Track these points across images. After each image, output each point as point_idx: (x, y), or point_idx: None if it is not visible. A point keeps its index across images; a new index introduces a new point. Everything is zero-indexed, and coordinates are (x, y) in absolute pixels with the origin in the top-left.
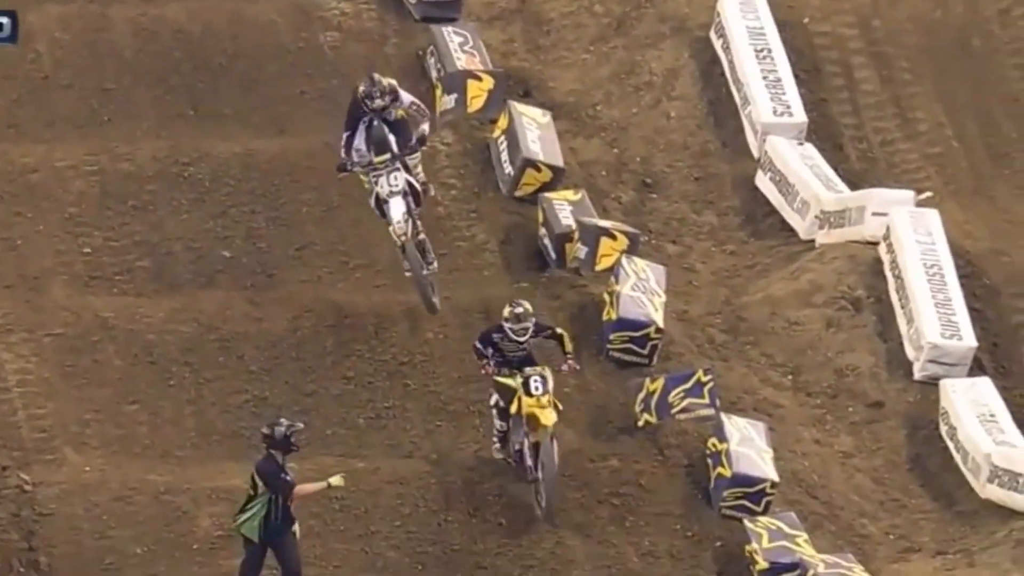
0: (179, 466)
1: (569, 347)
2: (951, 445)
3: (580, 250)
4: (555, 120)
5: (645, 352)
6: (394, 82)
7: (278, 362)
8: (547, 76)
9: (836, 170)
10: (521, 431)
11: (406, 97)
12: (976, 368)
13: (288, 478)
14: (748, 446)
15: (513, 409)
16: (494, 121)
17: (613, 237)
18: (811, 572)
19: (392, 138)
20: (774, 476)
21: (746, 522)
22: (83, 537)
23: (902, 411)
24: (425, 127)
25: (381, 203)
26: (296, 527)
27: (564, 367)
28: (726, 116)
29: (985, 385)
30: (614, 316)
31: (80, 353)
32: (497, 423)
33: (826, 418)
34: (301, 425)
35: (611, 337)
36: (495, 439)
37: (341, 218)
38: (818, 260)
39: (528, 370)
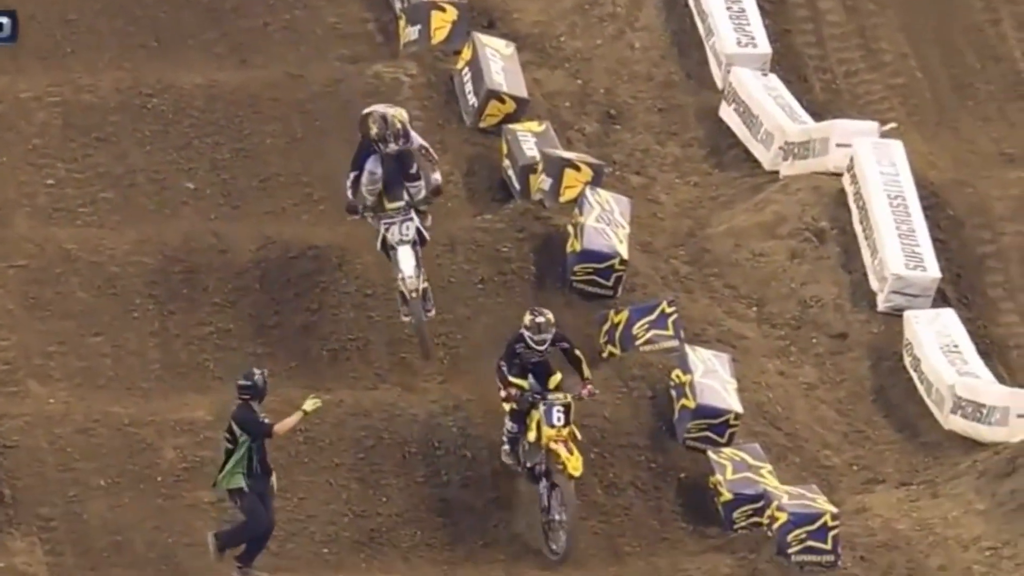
0: (143, 398)
1: (587, 372)
2: (915, 376)
3: (544, 181)
4: (519, 51)
5: (609, 284)
6: (405, 118)
7: (242, 294)
8: (511, 7)
9: (800, 101)
10: (538, 456)
11: (416, 138)
12: (940, 299)
13: (266, 421)
14: (712, 378)
15: (531, 436)
16: (458, 52)
17: (577, 168)
18: (775, 503)
19: (407, 187)
20: (738, 408)
21: (710, 453)
22: (47, 469)
23: (866, 342)
24: (437, 176)
25: (388, 247)
26: (274, 479)
27: (584, 392)
28: (690, 47)
29: (949, 316)
30: (578, 248)
31: (43, 285)
32: (508, 424)
33: (790, 349)
34: (266, 371)
35: (575, 269)
36: (504, 440)
37: (305, 149)
38: (782, 191)
39: (551, 397)
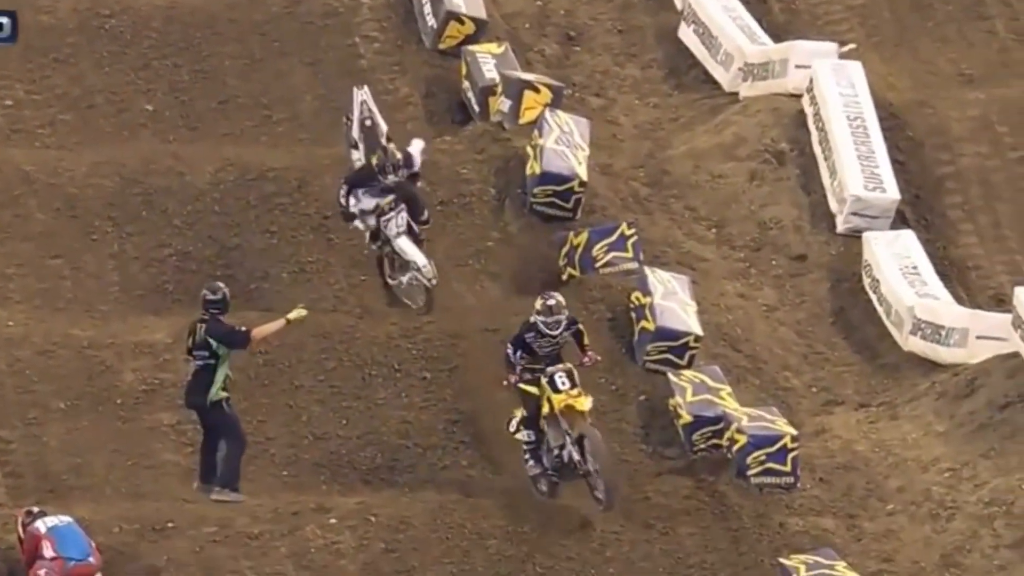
0: (102, 320)
1: (587, 340)
2: (874, 298)
3: (504, 103)
4: None
5: (569, 206)
6: (409, 150)
7: (201, 216)
8: None
9: (760, 22)
10: (560, 431)
11: (418, 160)
12: (899, 220)
13: (243, 328)
14: (672, 300)
15: (545, 410)
16: None
17: (536, 90)
18: (734, 425)
19: (416, 227)
20: (698, 330)
21: (670, 376)
22: (6, 391)
23: (825, 264)
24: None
25: (384, 257)
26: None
27: (585, 360)
28: None
29: (908, 238)
30: (538, 170)
31: (2, 207)
32: (524, 435)
33: (749, 271)
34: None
35: (535, 191)
36: (526, 457)
37: (264, 71)
38: (742, 113)
39: (549, 369)
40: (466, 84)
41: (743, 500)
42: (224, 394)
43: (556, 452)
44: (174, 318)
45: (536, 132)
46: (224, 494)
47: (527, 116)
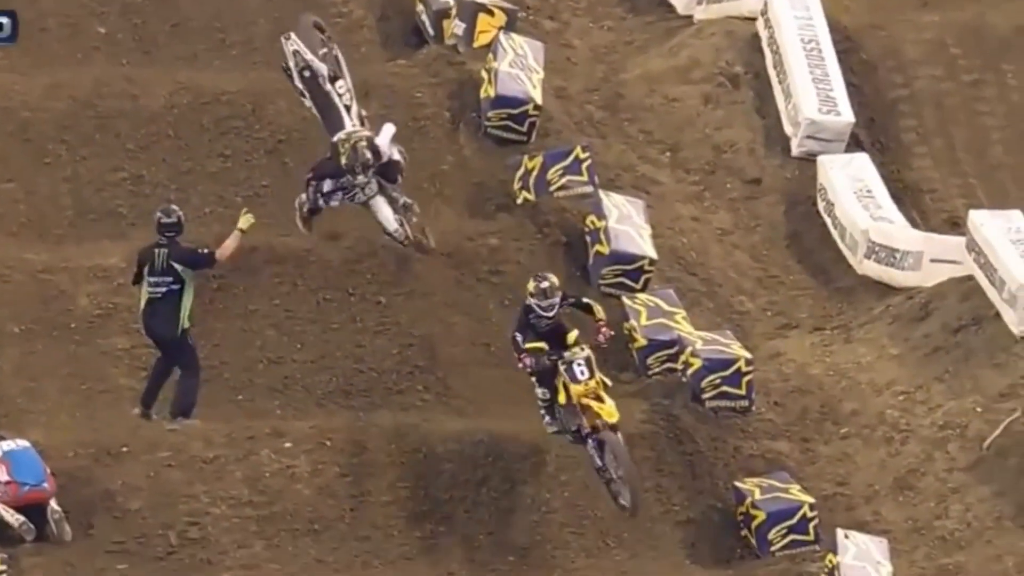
0: (56, 244)
1: (600, 314)
2: (829, 221)
3: (458, 26)
4: None
5: (523, 129)
6: (372, 138)
7: (155, 140)
8: None
9: None
10: (575, 418)
11: (385, 150)
12: (853, 144)
13: (206, 249)
14: (626, 223)
15: (562, 399)
16: None
17: (491, 13)
18: (689, 349)
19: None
20: (652, 253)
21: (624, 299)
22: None
23: (780, 187)
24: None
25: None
26: None
27: (600, 337)
28: None
29: (862, 161)
30: (492, 93)
31: None
32: (538, 391)
33: (704, 195)
34: None
35: (489, 114)
36: (541, 410)
37: None
38: (696, 36)
39: (567, 355)
40: (420, 7)
41: (698, 424)
42: (189, 323)
43: (573, 428)
44: (128, 242)
45: (490, 55)
46: (179, 423)
47: (481, 39)
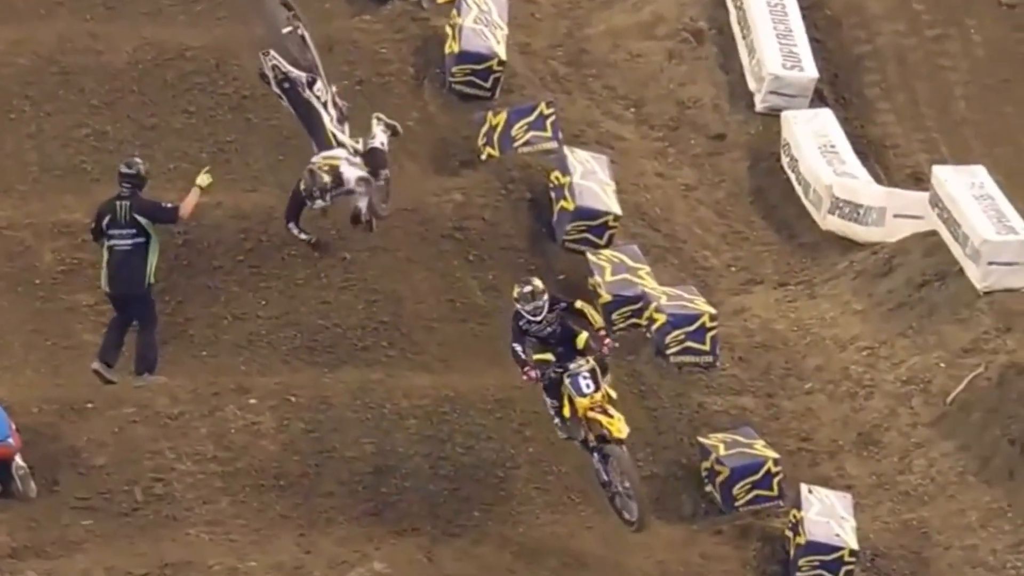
0: (21, 200)
1: (598, 320)
2: (792, 177)
3: None
4: None
5: (488, 85)
6: (338, 167)
7: (119, 95)
8: None
9: None
10: (581, 429)
11: (351, 177)
12: (817, 99)
13: (169, 204)
14: (591, 179)
15: (567, 412)
16: None
17: None
18: (653, 304)
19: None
20: (617, 209)
21: (589, 255)
22: None
23: (744, 143)
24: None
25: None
26: None
27: (604, 349)
28: None
29: (826, 116)
30: (456, 49)
31: None
32: (547, 401)
33: (668, 151)
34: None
35: (453, 70)
36: (553, 417)
37: None
38: None
39: (572, 367)
40: None
41: (662, 379)
42: (154, 280)
43: (581, 439)
44: (92, 198)
45: (455, 11)
46: (144, 380)
47: None
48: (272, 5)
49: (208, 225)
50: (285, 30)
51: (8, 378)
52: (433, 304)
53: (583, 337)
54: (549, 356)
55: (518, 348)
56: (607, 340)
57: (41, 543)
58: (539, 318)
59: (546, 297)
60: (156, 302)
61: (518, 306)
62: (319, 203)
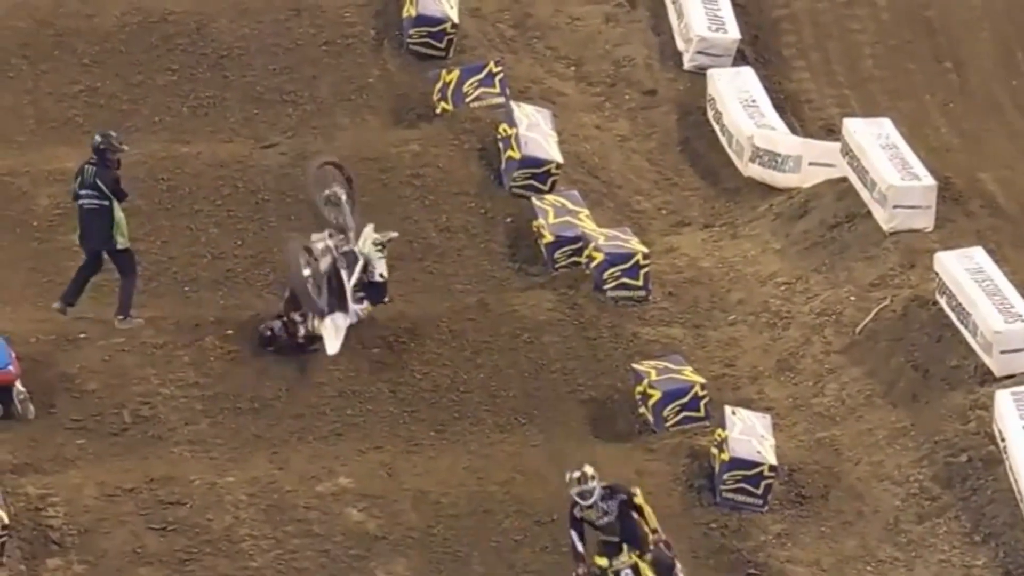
0: (19, 150)
1: (654, 522)
2: (717, 128)
3: None
4: None
5: (442, 46)
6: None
7: (108, 55)
8: None
9: None
10: None
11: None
12: (739, 58)
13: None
14: (535, 131)
15: None
16: None
17: None
18: (592, 244)
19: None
20: (559, 158)
21: (534, 200)
22: None
23: (673, 98)
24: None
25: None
26: None
27: (652, 549)
28: None
29: (747, 74)
30: (414, 13)
31: None
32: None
33: (605, 105)
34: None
35: (411, 32)
36: None
37: None
38: None
39: (615, 563)
40: None
41: (600, 312)
42: (125, 240)
43: None
44: (84, 148)
45: None
46: (127, 323)
47: None
48: (320, 179)
49: (189, 173)
50: (326, 192)
51: (8, 311)
52: (393, 244)
53: (649, 534)
54: (602, 561)
55: (574, 537)
56: (654, 538)
57: (39, 460)
58: (590, 502)
59: (595, 483)
60: (134, 256)
61: (571, 492)
62: (301, 331)
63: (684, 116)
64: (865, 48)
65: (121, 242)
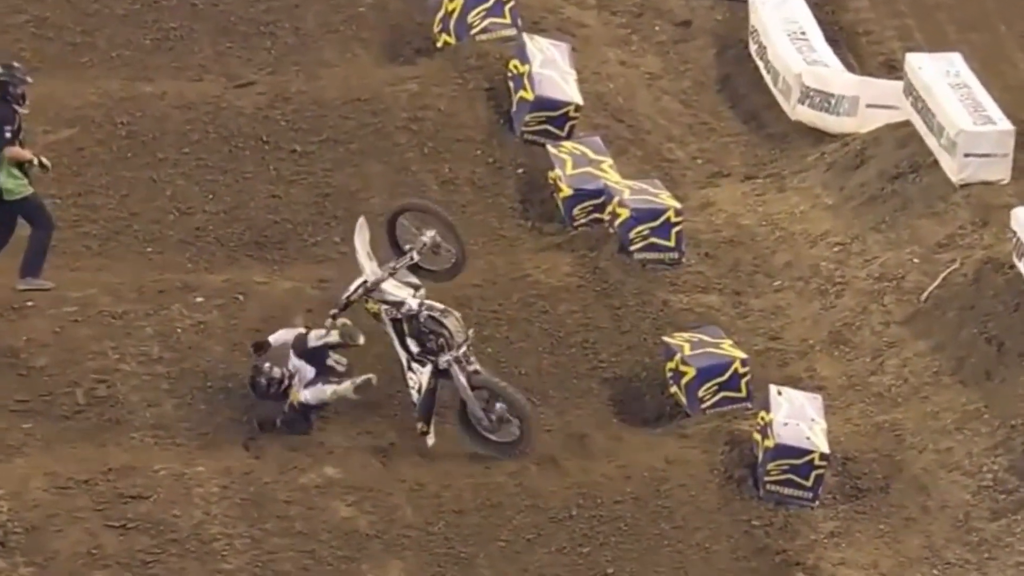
0: None
1: None
2: (761, 65)
3: None
4: None
5: None
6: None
7: None
8: None
9: None
10: None
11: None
12: None
13: (8, 133)
14: (551, 68)
15: None
16: None
17: None
18: (616, 199)
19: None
20: (578, 99)
21: (549, 147)
22: None
23: (710, 29)
24: None
25: None
26: None
27: None
28: None
29: (796, 2)
30: None
31: None
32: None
33: (631, 38)
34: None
35: None
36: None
37: None
38: None
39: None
40: None
41: (625, 277)
42: (27, 189)
43: None
44: (30, 87)
45: None
46: (26, 283)
47: None
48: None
49: (152, 116)
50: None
51: None
52: (387, 199)
53: None
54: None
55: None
56: None
57: None
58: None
59: None
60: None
61: None
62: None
63: (723, 50)
64: None
65: (13, 190)
